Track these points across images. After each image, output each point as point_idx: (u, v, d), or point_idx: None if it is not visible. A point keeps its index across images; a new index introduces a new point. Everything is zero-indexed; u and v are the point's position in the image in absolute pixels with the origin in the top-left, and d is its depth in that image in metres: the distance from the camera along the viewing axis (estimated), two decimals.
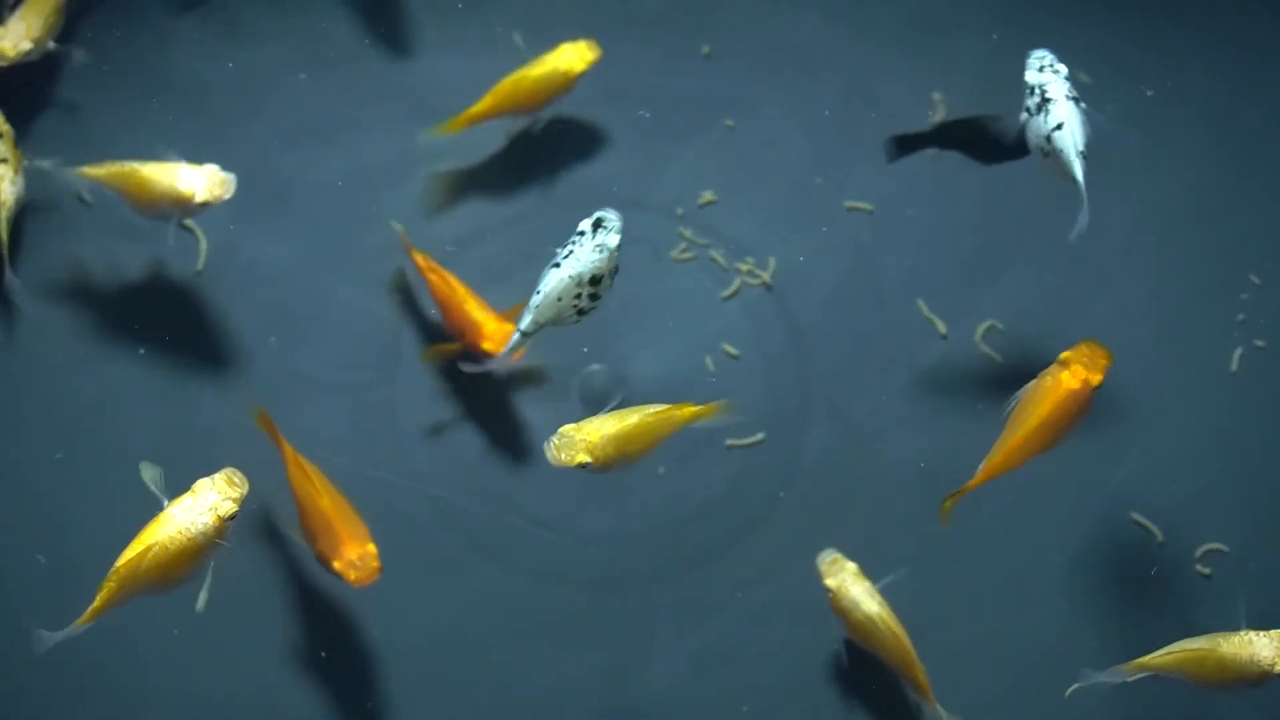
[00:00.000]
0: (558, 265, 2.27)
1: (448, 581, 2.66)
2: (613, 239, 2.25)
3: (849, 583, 2.50)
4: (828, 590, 2.51)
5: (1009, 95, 3.02)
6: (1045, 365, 2.78)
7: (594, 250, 2.24)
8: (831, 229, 2.94)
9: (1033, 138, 2.54)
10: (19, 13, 2.83)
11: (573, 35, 2.96)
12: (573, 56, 2.91)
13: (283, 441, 2.54)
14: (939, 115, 3.00)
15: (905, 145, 2.72)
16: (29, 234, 2.84)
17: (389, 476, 2.73)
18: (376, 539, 2.68)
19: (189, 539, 2.30)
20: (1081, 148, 2.47)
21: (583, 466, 2.33)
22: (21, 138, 2.87)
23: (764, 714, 2.61)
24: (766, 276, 2.89)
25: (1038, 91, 2.54)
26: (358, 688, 2.59)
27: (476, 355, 2.66)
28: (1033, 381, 2.44)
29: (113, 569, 2.30)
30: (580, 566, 2.67)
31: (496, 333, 2.66)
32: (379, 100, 2.99)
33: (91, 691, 2.57)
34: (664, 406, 2.41)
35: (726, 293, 2.89)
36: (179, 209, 2.67)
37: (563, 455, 2.34)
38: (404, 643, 2.61)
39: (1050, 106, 2.51)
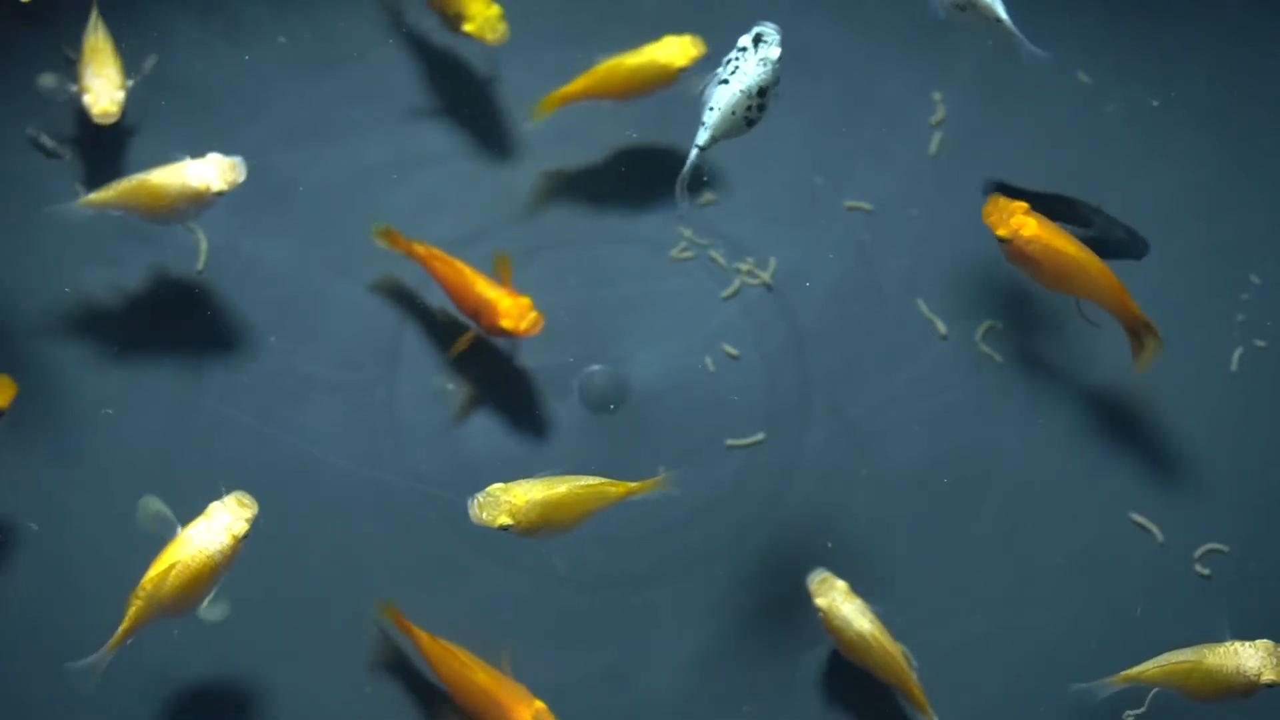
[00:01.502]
0: (726, 82, 2.33)
1: (448, 581, 2.66)
2: (774, 51, 2.32)
3: (839, 601, 2.50)
4: (818, 610, 2.51)
5: (1009, 95, 3.03)
6: (1045, 365, 2.79)
7: (759, 65, 2.32)
8: (831, 229, 2.94)
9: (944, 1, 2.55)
10: (91, 69, 2.79)
11: (572, 35, 2.96)
12: (674, 50, 2.85)
13: (416, 631, 2.55)
14: (939, 115, 3.00)
15: (1006, 192, 2.73)
16: (30, 234, 2.84)
17: (389, 476, 2.73)
18: (376, 539, 2.69)
19: (207, 558, 2.38)
20: None
21: (504, 528, 2.34)
22: (22, 136, 2.87)
23: (764, 714, 2.61)
24: (766, 276, 2.89)
25: None
26: (357, 688, 2.59)
27: (494, 334, 2.69)
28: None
29: (138, 588, 2.37)
30: (580, 566, 2.67)
31: (513, 308, 2.66)
32: (379, 100, 2.99)
33: (91, 691, 2.57)
34: (598, 480, 2.39)
35: (726, 293, 2.89)
36: (196, 204, 2.66)
37: (484, 515, 2.34)
38: (404, 643, 2.61)
39: None
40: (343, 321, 2.82)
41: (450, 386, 2.79)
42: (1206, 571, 2.71)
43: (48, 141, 2.82)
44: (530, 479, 2.37)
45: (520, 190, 2.94)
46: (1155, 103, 3.03)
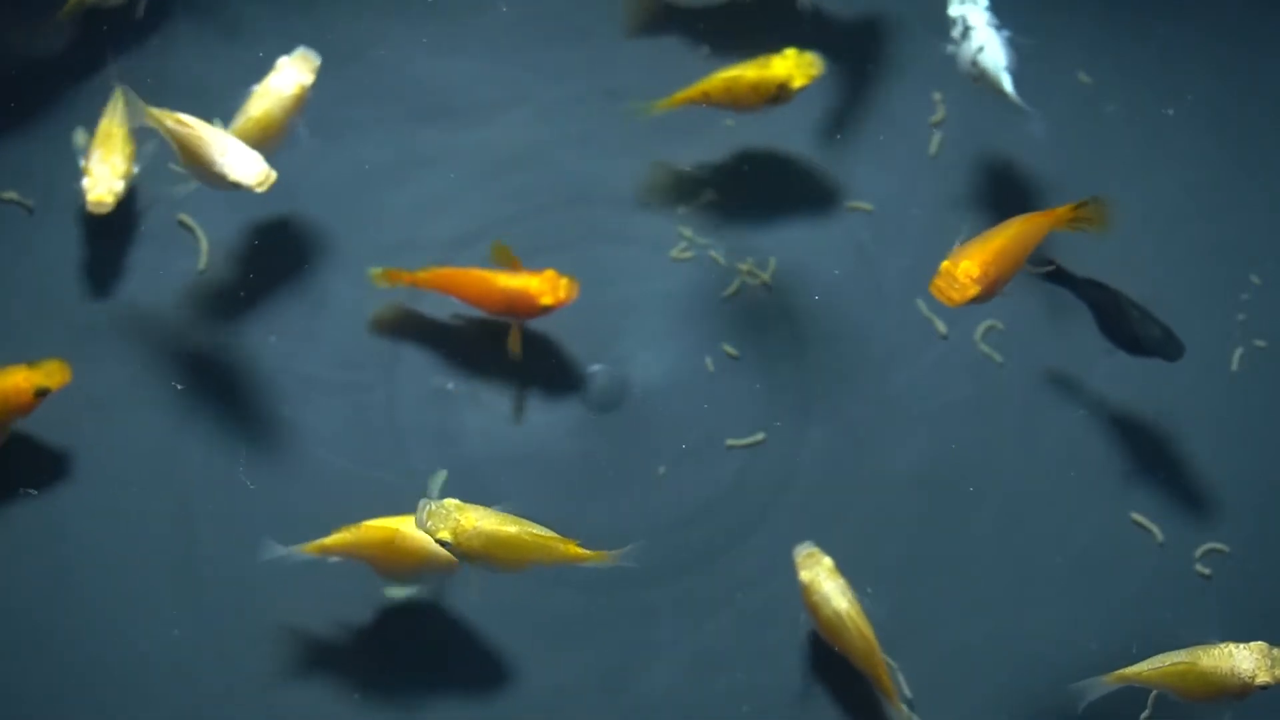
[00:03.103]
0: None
1: (447, 581, 2.66)
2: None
3: (822, 578, 2.51)
4: (801, 583, 2.51)
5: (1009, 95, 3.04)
6: (1045, 364, 2.80)
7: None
8: (831, 229, 2.94)
9: (962, 65, 2.81)
10: (97, 155, 2.75)
11: (570, 35, 2.96)
12: (793, 67, 2.82)
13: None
14: (939, 115, 3.00)
15: (1053, 273, 2.76)
16: (29, 235, 2.84)
17: (389, 476, 2.73)
18: None
19: (427, 550, 2.41)
20: (1005, 64, 2.76)
21: (442, 543, 2.31)
22: (22, 137, 2.87)
23: (764, 714, 2.61)
24: (766, 276, 2.89)
25: (960, 23, 2.80)
26: (357, 688, 2.59)
27: (535, 316, 2.70)
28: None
29: (362, 525, 2.49)
30: (580, 567, 2.66)
31: (544, 284, 2.66)
32: (379, 100, 2.99)
33: (92, 691, 2.57)
34: (551, 535, 2.34)
35: (726, 293, 2.89)
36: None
37: (429, 523, 2.32)
38: (403, 643, 2.61)
39: (972, 34, 2.79)
40: (343, 321, 2.82)
41: (450, 386, 2.79)
42: (1207, 571, 2.71)
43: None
44: (492, 508, 2.35)
45: (520, 190, 2.94)
46: (1170, 111, 3.03)
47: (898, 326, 2.87)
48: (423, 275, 2.74)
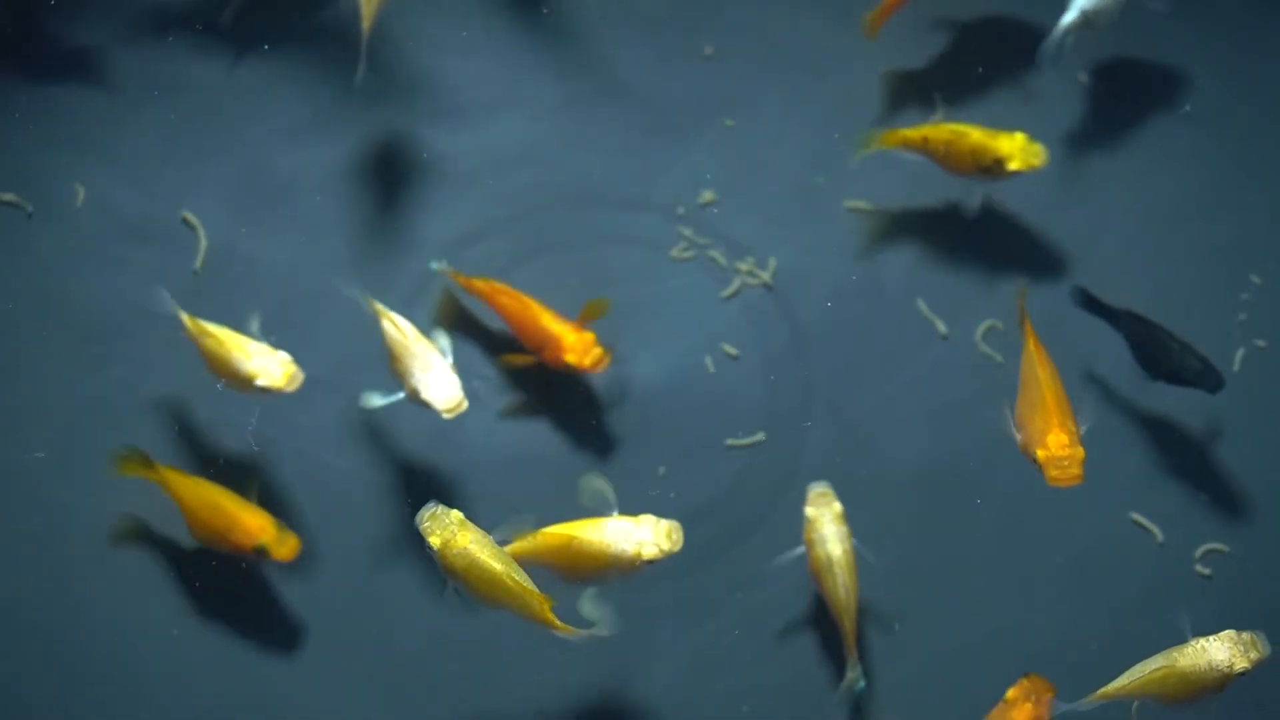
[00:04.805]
0: None
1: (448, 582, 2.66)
2: None
3: (826, 519, 2.54)
4: (805, 516, 2.54)
5: (1009, 95, 3.03)
6: None
7: None
8: (831, 229, 2.94)
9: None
10: (263, 349, 2.61)
11: (570, 34, 2.95)
12: (1018, 150, 2.78)
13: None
14: (939, 115, 3.00)
15: (1090, 304, 2.78)
16: (29, 236, 2.84)
17: (389, 477, 2.73)
18: (376, 539, 2.69)
19: (603, 553, 2.41)
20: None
21: (428, 547, 2.32)
22: (22, 138, 2.87)
23: (764, 714, 2.61)
24: (766, 276, 2.89)
25: None
26: (357, 688, 2.59)
27: (557, 368, 2.69)
28: None
29: (540, 532, 2.42)
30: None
31: (578, 343, 2.67)
32: (379, 100, 2.99)
33: (92, 691, 2.57)
34: (531, 590, 2.32)
35: (726, 293, 2.89)
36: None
37: (427, 524, 2.34)
38: (404, 643, 2.61)
39: None
40: (343, 321, 2.82)
41: None
42: (1207, 571, 2.71)
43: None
44: (492, 533, 2.34)
45: (520, 190, 2.94)
46: (1170, 111, 3.03)
47: (898, 326, 2.87)
48: (479, 283, 2.74)
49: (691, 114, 3.01)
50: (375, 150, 2.96)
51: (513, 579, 2.32)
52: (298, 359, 2.79)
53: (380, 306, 2.61)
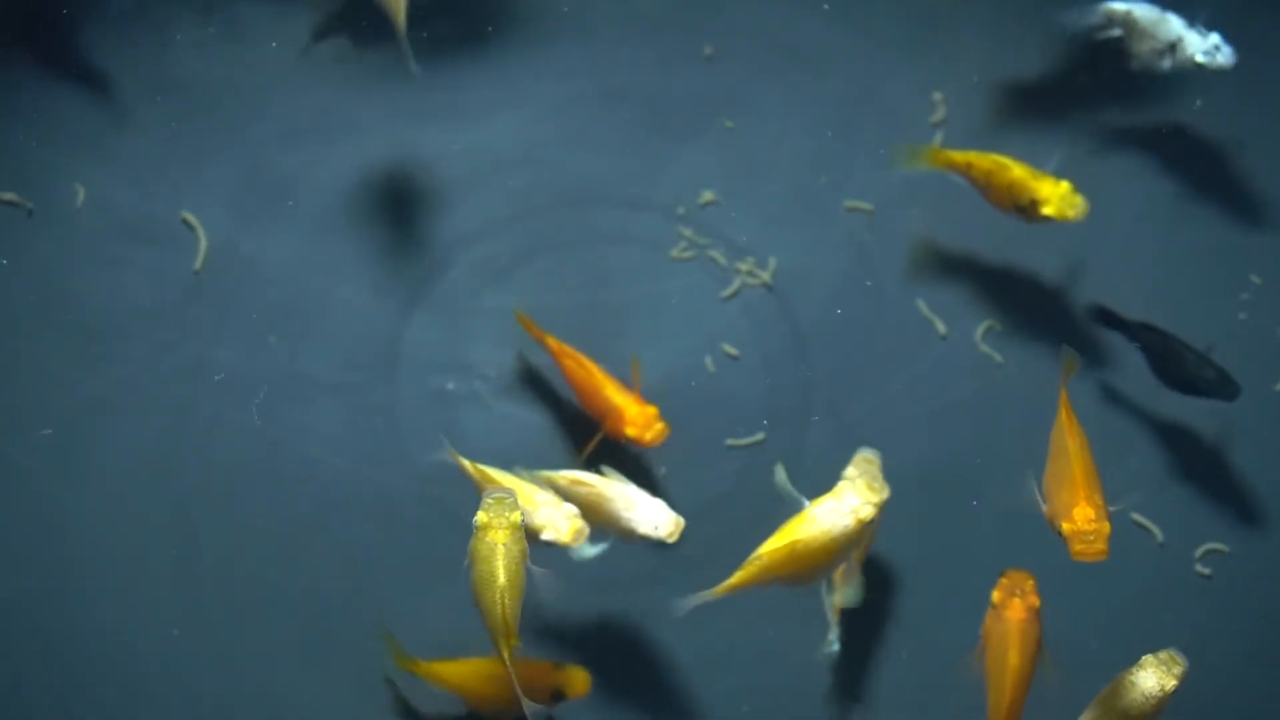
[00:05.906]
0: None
1: (448, 582, 2.66)
2: None
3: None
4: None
5: (1009, 95, 3.03)
6: (1045, 365, 2.79)
7: None
8: (831, 229, 2.94)
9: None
10: (550, 499, 2.51)
11: (570, 35, 2.95)
12: (1057, 196, 2.73)
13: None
14: (939, 115, 3.00)
15: (1106, 317, 2.79)
16: (29, 236, 2.84)
17: (389, 476, 2.73)
18: (376, 539, 2.69)
19: (829, 538, 2.36)
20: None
21: (475, 522, 2.28)
22: (22, 138, 2.87)
23: (764, 714, 2.61)
24: (766, 276, 2.89)
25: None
26: (357, 688, 2.59)
27: (619, 439, 2.66)
28: (983, 637, 2.41)
29: (755, 555, 2.37)
30: (580, 567, 2.66)
31: (639, 417, 2.64)
32: (379, 100, 2.99)
33: (92, 691, 2.57)
34: (508, 626, 2.28)
35: (726, 293, 2.89)
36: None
37: (488, 500, 2.30)
38: (404, 643, 2.61)
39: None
40: (343, 321, 2.82)
41: (450, 386, 2.79)
42: (1207, 571, 2.71)
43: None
44: (524, 577, 2.31)
45: (520, 190, 2.94)
46: (1170, 112, 3.03)
47: (898, 326, 2.87)
48: (551, 341, 2.72)
49: (691, 114, 3.01)
50: (375, 150, 2.96)
51: (503, 600, 2.28)
52: (298, 359, 2.80)
53: (549, 474, 2.54)
